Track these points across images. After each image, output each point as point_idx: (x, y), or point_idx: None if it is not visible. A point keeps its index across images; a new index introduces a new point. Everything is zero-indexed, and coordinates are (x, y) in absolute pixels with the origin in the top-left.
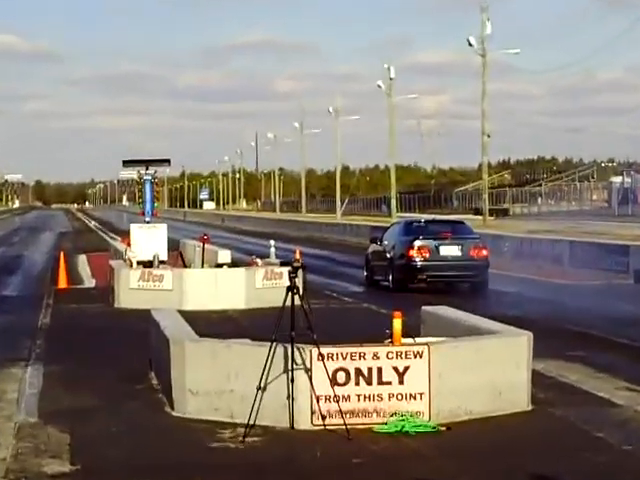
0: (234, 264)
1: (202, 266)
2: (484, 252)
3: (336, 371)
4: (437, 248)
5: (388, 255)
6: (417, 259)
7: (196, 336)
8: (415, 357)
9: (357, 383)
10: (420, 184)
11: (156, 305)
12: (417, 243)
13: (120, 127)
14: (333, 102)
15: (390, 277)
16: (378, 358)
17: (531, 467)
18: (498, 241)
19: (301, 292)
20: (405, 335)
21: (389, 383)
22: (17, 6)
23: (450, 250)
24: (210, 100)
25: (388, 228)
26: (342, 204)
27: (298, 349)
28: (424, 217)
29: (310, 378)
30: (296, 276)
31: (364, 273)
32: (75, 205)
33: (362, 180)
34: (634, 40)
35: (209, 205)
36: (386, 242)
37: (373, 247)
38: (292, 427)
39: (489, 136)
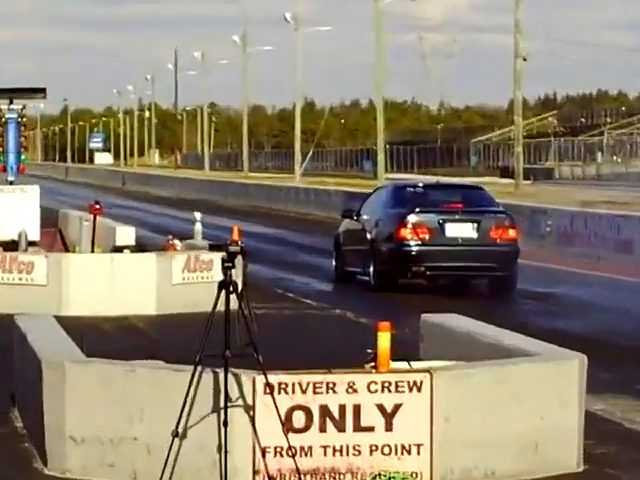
0: (140, 247)
1: (92, 250)
2: (512, 233)
3: (292, 410)
4: (441, 226)
5: (368, 236)
6: (411, 242)
7: (82, 355)
8: (410, 390)
9: (323, 429)
10: (421, 130)
11: (23, 309)
12: (412, 218)
13: None
14: (292, 6)
15: (371, 268)
16: (355, 391)
17: None
18: (536, 217)
19: (240, 290)
20: (396, 357)
21: (371, 429)
22: None
23: (461, 229)
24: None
25: (369, 196)
26: (304, 159)
27: (235, 376)
28: (423, 180)
29: (252, 420)
30: (233, 266)
31: (332, 262)
32: None
33: (334, 123)
34: None
35: (104, 158)
36: (365, 216)
37: (347, 224)
38: None
39: (525, 59)
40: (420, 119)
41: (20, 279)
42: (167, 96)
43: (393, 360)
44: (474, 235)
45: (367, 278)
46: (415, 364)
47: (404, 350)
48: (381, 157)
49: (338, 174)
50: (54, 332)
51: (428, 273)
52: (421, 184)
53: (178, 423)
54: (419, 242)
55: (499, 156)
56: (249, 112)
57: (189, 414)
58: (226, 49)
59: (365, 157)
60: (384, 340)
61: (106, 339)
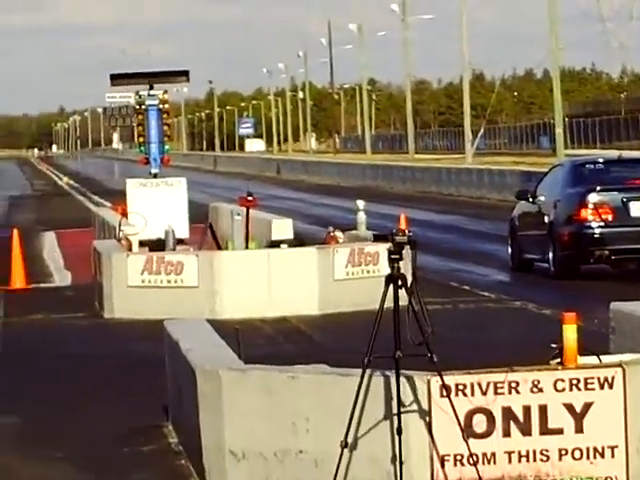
0: (299, 241)
1: (246, 246)
2: None
3: (472, 414)
4: (626, 205)
5: (546, 219)
6: (594, 223)
7: (240, 362)
8: (602, 387)
9: (506, 433)
10: (602, 100)
11: (173, 313)
12: (593, 198)
13: (102, 22)
14: None
15: (550, 255)
16: (541, 390)
17: None
18: None
19: (410, 284)
20: (584, 352)
21: (560, 431)
22: None
23: None
24: None
25: (545, 175)
26: (475, 137)
27: (408, 379)
28: (604, 155)
29: (429, 426)
30: (401, 258)
31: (508, 250)
32: (36, 151)
33: (506, 97)
34: None
35: (255, 145)
36: (542, 198)
37: (522, 207)
38: None
39: None
40: (601, 88)
41: (169, 281)
42: (322, 74)
43: (581, 355)
44: None
45: (546, 265)
46: (605, 358)
47: (593, 343)
48: (559, 132)
49: (513, 152)
50: (208, 338)
51: (613, 257)
52: (602, 160)
53: (347, 433)
54: (602, 223)
55: None
56: (413, 88)
57: (359, 422)
58: (384, 20)
59: (542, 132)
60: (570, 333)
61: (265, 343)
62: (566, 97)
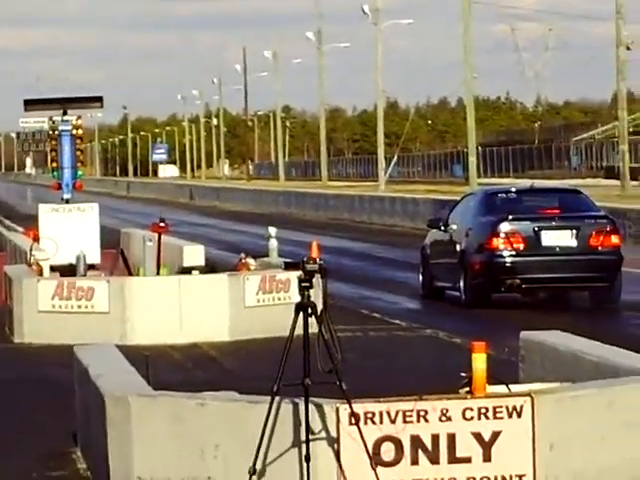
0: (210, 268)
1: (157, 272)
2: (614, 239)
3: (380, 442)
4: (537, 234)
5: (458, 247)
6: (505, 252)
7: (149, 388)
8: (510, 416)
9: (415, 461)
10: (516, 130)
11: (83, 339)
12: (505, 227)
13: (18, 47)
14: None
15: (462, 283)
16: (449, 419)
17: None
18: None
19: (320, 312)
20: (493, 381)
21: (468, 460)
22: None
23: (559, 237)
24: None
25: (457, 204)
26: (388, 165)
27: (317, 406)
28: (517, 185)
29: (337, 454)
30: (311, 286)
31: (419, 278)
32: None
33: (420, 125)
34: None
35: (169, 171)
36: (454, 226)
37: (434, 235)
38: None
39: (629, 48)
40: (515, 118)
41: (79, 306)
42: (236, 101)
43: (490, 384)
44: (573, 243)
45: (457, 293)
46: (514, 387)
47: (502, 373)
48: (473, 160)
49: (426, 180)
50: (118, 364)
51: (524, 286)
52: (514, 189)
53: (256, 459)
54: (513, 252)
55: (603, 155)
56: (327, 115)
57: (267, 449)
58: (299, 48)
59: (456, 161)
60: (480, 362)
61: (175, 370)
62: (480, 126)
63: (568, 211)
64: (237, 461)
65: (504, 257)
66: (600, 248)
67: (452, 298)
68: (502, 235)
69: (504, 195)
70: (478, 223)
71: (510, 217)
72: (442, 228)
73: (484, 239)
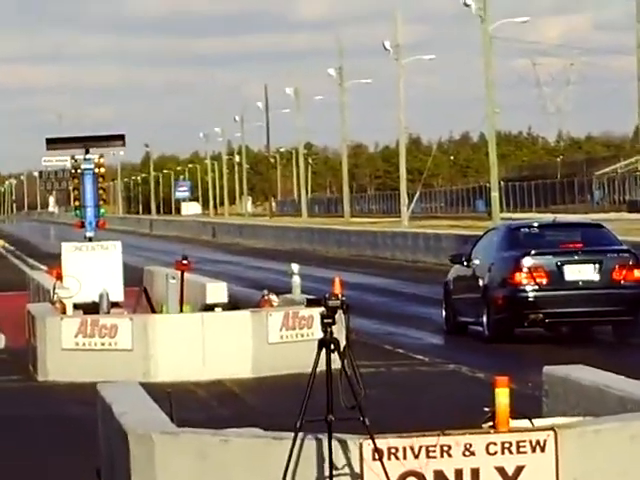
0: (233, 305)
1: (181, 310)
2: (637, 273)
3: (404, 477)
4: (560, 269)
5: (481, 282)
6: (528, 287)
7: (172, 426)
8: (534, 450)
9: None
10: (538, 164)
11: (107, 376)
12: (527, 261)
13: (39, 84)
14: (391, 34)
15: (484, 318)
16: (473, 454)
17: None
18: None
19: (342, 348)
20: (516, 415)
21: None
22: None
23: (581, 271)
24: (186, 33)
25: (480, 239)
26: (411, 201)
27: (340, 442)
28: (539, 219)
29: None
30: (334, 322)
31: (442, 313)
32: None
33: (442, 160)
34: None
35: (192, 209)
36: (477, 261)
37: (457, 270)
38: None
39: None
40: (537, 152)
41: (103, 344)
42: (258, 138)
43: (513, 418)
44: (596, 277)
45: (480, 328)
46: (537, 422)
47: (525, 407)
48: (495, 195)
49: (449, 216)
50: (141, 401)
51: (547, 320)
52: (536, 224)
53: None
54: (536, 287)
55: (625, 189)
56: (349, 152)
57: None
58: (321, 84)
59: (478, 196)
60: (503, 396)
61: (199, 407)
62: (502, 161)
63: (590, 245)
64: None
65: (527, 292)
66: (623, 282)
67: (475, 333)
68: (525, 270)
69: (527, 230)
70: (501, 258)
71: (533, 252)
72: (465, 263)
73: (507, 274)
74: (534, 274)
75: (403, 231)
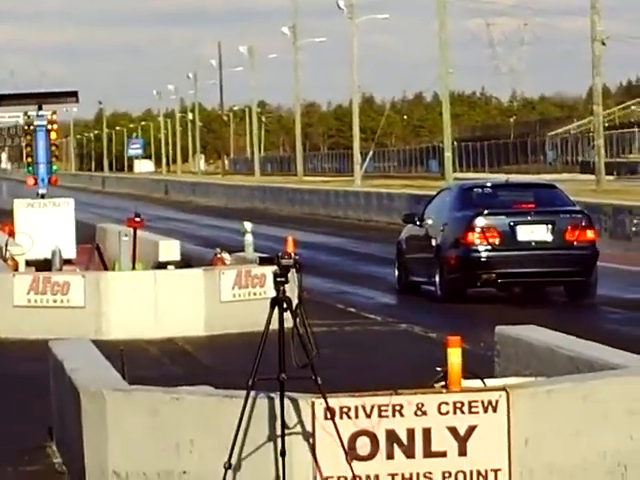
0: (186, 263)
1: (133, 267)
2: (590, 234)
3: (355, 436)
4: (512, 229)
5: (433, 242)
6: (480, 247)
7: (124, 383)
8: (486, 410)
9: (390, 456)
10: (491, 125)
11: (59, 333)
12: (480, 221)
13: None
14: None
15: (437, 277)
16: (424, 413)
17: None
18: (620, 216)
19: (295, 307)
20: (468, 375)
21: (443, 454)
22: None
23: (534, 232)
24: None
25: (432, 199)
26: (364, 160)
27: (292, 401)
28: (492, 179)
29: (313, 448)
30: (286, 281)
31: (395, 272)
32: None
33: (396, 120)
34: None
35: (145, 166)
36: (430, 221)
37: (409, 230)
38: None
39: (604, 43)
40: (490, 112)
41: (55, 301)
42: (212, 96)
43: (465, 378)
44: (548, 238)
45: (433, 288)
46: (490, 382)
47: (477, 367)
48: (448, 155)
49: (402, 175)
50: (93, 359)
51: (500, 281)
52: (489, 184)
53: (231, 454)
54: (489, 247)
55: (578, 150)
56: (302, 111)
57: (243, 444)
58: (275, 43)
59: (431, 156)
60: (455, 356)
61: (150, 365)
62: (456, 121)
63: (543, 206)
64: (212, 456)
65: (480, 252)
66: (575, 243)
67: (427, 293)
68: (478, 230)
69: (480, 190)
70: (453, 218)
71: (485, 212)
72: (418, 223)
73: (460, 234)
74: (487, 234)
75: (356, 190)
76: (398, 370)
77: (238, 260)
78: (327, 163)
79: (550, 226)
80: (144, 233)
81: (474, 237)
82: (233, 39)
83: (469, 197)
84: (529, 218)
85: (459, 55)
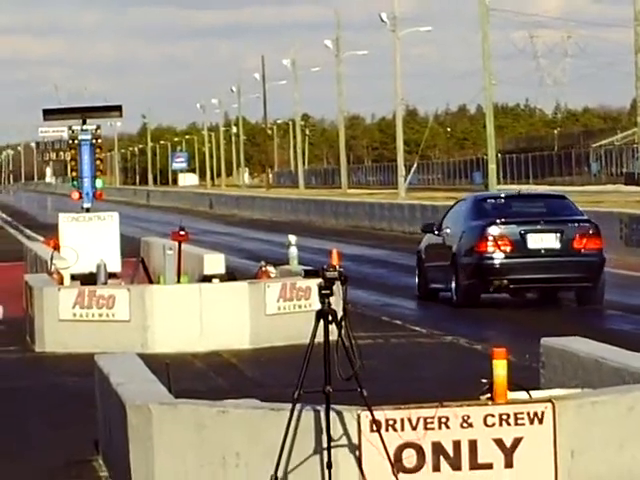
0: (231, 276)
1: (178, 280)
2: (597, 242)
3: (402, 448)
4: (523, 237)
5: (450, 250)
6: (493, 254)
7: (170, 397)
8: (532, 422)
9: (436, 468)
10: (535, 136)
11: (104, 347)
12: (492, 230)
13: (37, 56)
14: (388, 5)
15: (453, 284)
16: (470, 425)
17: None
18: None
19: (340, 319)
20: (514, 387)
21: (489, 466)
22: None
23: (543, 240)
24: (183, 6)
25: (450, 209)
26: (408, 172)
27: (337, 413)
28: (506, 190)
29: (359, 461)
30: (331, 293)
31: (415, 279)
32: None
33: (439, 132)
34: None
35: (189, 180)
36: (447, 230)
37: (428, 239)
38: None
39: None
40: (534, 124)
41: (100, 315)
42: (255, 109)
43: (511, 390)
44: (557, 245)
45: (449, 294)
46: (535, 393)
47: (523, 378)
48: (492, 167)
49: (446, 188)
50: (139, 372)
51: (511, 286)
52: (502, 195)
53: (277, 467)
54: (501, 254)
55: (622, 162)
56: (346, 123)
57: (289, 457)
58: (318, 56)
59: (475, 168)
60: (500, 368)
61: (196, 378)
62: (499, 133)
63: (553, 215)
64: (258, 469)
65: (492, 259)
66: (583, 250)
67: (447, 300)
68: (491, 238)
69: (493, 201)
70: (468, 227)
71: (498, 221)
72: (436, 232)
73: (474, 242)
74: (499, 242)
75: (400, 203)
76: (444, 382)
77: (283, 273)
78: (371, 176)
79: (559, 234)
80: (189, 246)
81: (487, 245)
82: (277, 52)
83: (483, 207)
84: (539, 227)
85: (503, 67)
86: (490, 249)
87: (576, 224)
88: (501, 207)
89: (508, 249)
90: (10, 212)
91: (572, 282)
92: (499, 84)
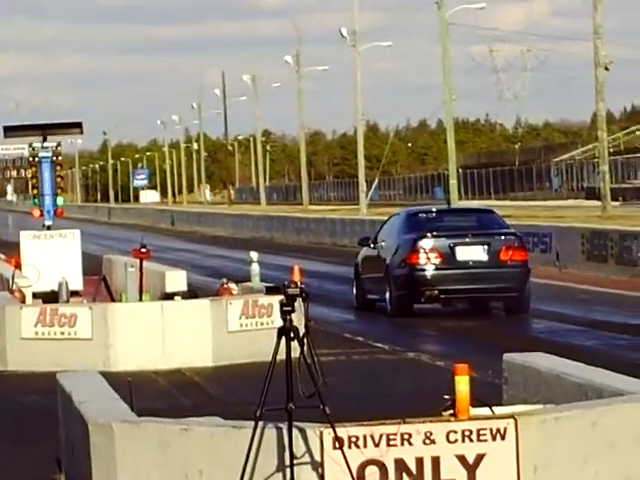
0: (192, 293)
1: (140, 298)
2: (522, 254)
3: (364, 465)
4: (452, 250)
5: (384, 262)
6: (424, 266)
7: (133, 415)
8: (494, 439)
9: None
10: (496, 151)
11: (67, 366)
12: (424, 243)
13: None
14: (348, 21)
15: (387, 295)
16: (433, 442)
17: None
18: (625, 242)
19: (302, 336)
20: (476, 403)
21: None
22: None
23: (471, 252)
24: (143, 21)
25: (384, 223)
26: (369, 188)
27: (300, 431)
28: (436, 205)
29: (322, 478)
30: (293, 310)
31: (353, 291)
32: None
33: (400, 148)
34: None
35: (150, 196)
36: (382, 243)
37: (365, 252)
38: None
39: (607, 68)
40: (495, 139)
41: (62, 333)
42: (216, 125)
43: (473, 406)
44: (484, 257)
45: (384, 304)
46: (498, 409)
47: (485, 394)
48: (453, 182)
49: (408, 203)
50: (101, 390)
51: (442, 296)
52: (433, 209)
53: None
54: (432, 266)
55: (584, 176)
56: (307, 139)
57: (252, 474)
58: (279, 71)
59: (436, 183)
60: (463, 384)
61: (159, 396)
62: (460, 148)
63: (481, 228)
64: None
65: (424, 270)
66: (509, 262)
67: (382, 310)
68: (422, 251)
69: (425, 215)
70: (401, 240)
71: (429, 234)
72: (371, 245)
73: (406, 254)
74: (430, 255)
75: (361, 218)
76: (406, 399)
77: (245, 290)
78: (333, 192)
79: (486, 247)
80: (150, 264)
81: (419, 257)
82: (237, 68)
83: (415, 221)
84: (467, 240)
85: (463, 82)
86: (421, 261)
87: (502, 237)
88: (432, 221)
89: (438, 261)
90: None
91: (499, 292)
92: (459, 99)
